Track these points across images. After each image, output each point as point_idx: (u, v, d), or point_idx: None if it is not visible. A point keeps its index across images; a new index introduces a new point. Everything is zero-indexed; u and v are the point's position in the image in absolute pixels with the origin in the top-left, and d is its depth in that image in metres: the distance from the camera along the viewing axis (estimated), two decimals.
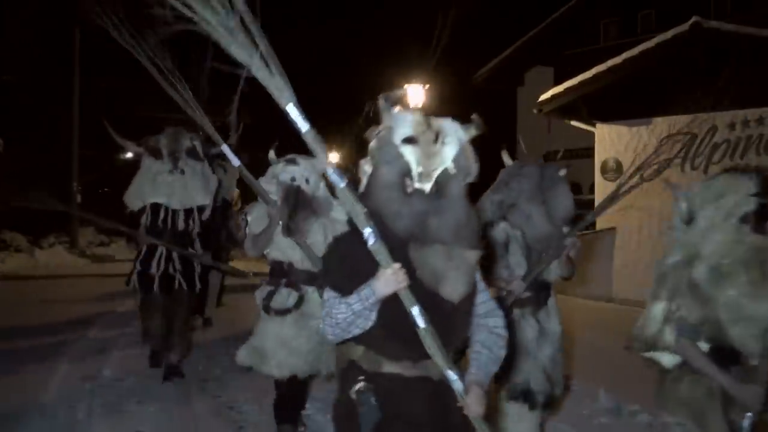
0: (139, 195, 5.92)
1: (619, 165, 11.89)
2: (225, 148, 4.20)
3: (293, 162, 4.32)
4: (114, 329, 8.30)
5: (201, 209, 6.03)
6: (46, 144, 21.35)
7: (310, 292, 4.37)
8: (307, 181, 4.30)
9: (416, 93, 18.35)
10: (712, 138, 10.84)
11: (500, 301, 3.72)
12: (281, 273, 4.42)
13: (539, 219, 3.99)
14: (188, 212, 5.95)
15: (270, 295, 4.38)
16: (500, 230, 3.99)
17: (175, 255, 5.94)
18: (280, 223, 4.24)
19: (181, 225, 5.92)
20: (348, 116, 21.58)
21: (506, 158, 4.39)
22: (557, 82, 13.53)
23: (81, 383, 5.93)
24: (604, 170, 12.19)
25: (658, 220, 11.14)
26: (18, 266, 16.50)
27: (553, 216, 4.02)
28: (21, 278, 14.33)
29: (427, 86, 18.67)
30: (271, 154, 4.45)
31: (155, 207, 5.86)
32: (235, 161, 4.20)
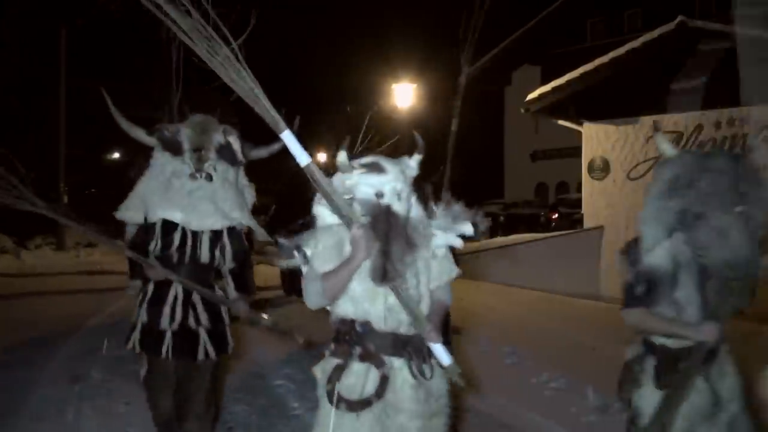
0: (142, 205, 4.16)
1: (606, 164, 11.96)
2: (286, 135, 2.75)
3: (377, 168, 2.84)
4: (103, 330, 8.26)
5: (235, 234, 4.23)
6: (33, 144, 21.25)
7: (397, 368, 2.83)
8: (398, 197, 2.82)
9: (405, 92, 18.40)
10: (698, 136, 10.93)
11: (667, 353, 2.99)
12: (353, 338, 2.84)
13: (738, 235, 2.83)
14: (216, 237, 4.14)
15: (338, 373, 2.82)
16: (664, 253, 2.94)
17: (197, 299, 4.09)
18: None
19: (204, 255, 4.11)
20: (333, 116, 21.59)
21: (664, 143, 3.01)
22: (544, 82, 13.57)
23: (69, 384, 5.91)
24: (591, 169, 12.26)
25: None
26: (4, 267, 16.40)
27: (751, 231, 2.85)
28: (7, 281, 14.22)
29: (415, 85, 18.72)
30: (342, 155, 2.84)
31: (168, 226, 4.07)
32: (304, 158, 2.76)
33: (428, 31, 25.11)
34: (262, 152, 4.40)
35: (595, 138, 12.29)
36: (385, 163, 2.87)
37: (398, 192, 2.83)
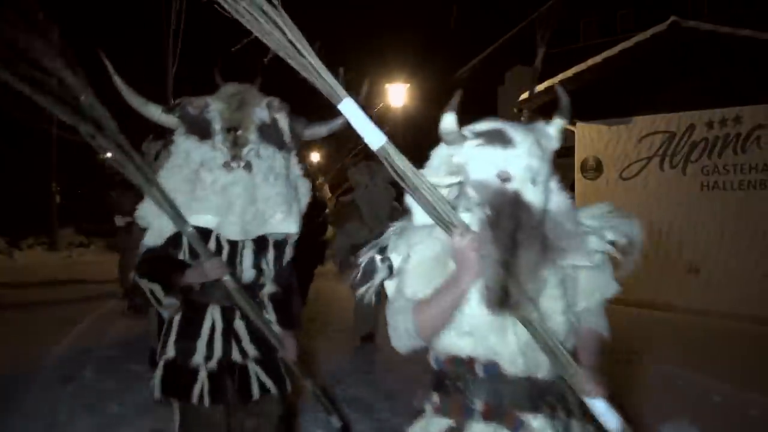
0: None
1: (598, 163, 11.99)
2: (348, 106, 2.01)
3: (501, 138, 1.94)
4: (95, 330, 8.25)
5: (282, 244, 3.22)
6: (24, 143, 21.18)
7: (538, 429, 1.95)
8: (533, 180, 1.92)
9: (398, 92, 18.42)
10: (690, 136, 10.96)
11: None
12: (471, 386, 1.98)
13: None
14: (261, 246, 3.13)
15: None
16: None
17: (242, 328, 3.09)
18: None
19: (248, 271, 3.10)
20: (327, 116, 21.53)
21: None
22: (538, 81, 13.58)
23: (62, 385, 5.89)
24: (583, 169, 12.28)
25: (638, 219, 11.25)
26: None
27: None
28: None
29: (408, 85, 18.74)
30: (450, 118, 1.93)
31: (198, 231, 3.00)
32: (376, 137, 1.97)
33: (421, 32, 25.16)
34: (319, 130, 3.33)
35: (588, 138, 12.31)
36: (512, 130, 1.96)
37: (533, 173, 1.91)
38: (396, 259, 2.04)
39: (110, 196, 9.26)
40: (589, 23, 22.34)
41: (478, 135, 1.96)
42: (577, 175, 12.45)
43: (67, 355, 6.99)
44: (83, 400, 5.49)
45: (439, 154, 2.04)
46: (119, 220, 7.53)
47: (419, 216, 2.02)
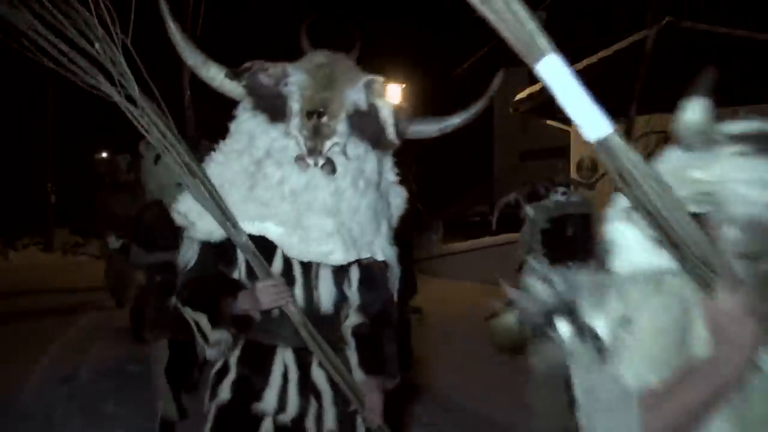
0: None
1: (594, 164, 11.99)
2: (552, 66, 1.30)
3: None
4: (91, 330, 8.24)
5: (369, 268, 2.39)
6: (20, 143, 21.15)
7: None
8: None
9: (393, 92, 18.44)
10: None
11: None
12: None
13: None
14: (342, 269, 2.35)
15: None
16: None
17: (321, 379, 2.34)
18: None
19: (326, 299, 2.34)
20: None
21: None
22: (533, 82, 13.60)
23: (58, 385, 5.89)
24: (579, 169, 12.30)
25: None
26: None
27: None
28: None
29: (404, 85, 18.77)
30: (698, 108, 1.30)
31: (257, 245, 2.23)
32: (600, 126, 1.31)
33: (417, 32, 25.17)
34: (428, 128, 2.46)
35: (583, 138, 12.31)
36: None
37: None
38: (601, 326, 1.30)
39: (101, 199, 9.01)
40: (584, 23, 22.39)
41: (739, 139, 1.25)
42: (573, 176, 12.46)
43: (63, 356, 6.98)
44: (79, 401, 5.49)
45: (673, 165, 1.29)
46: (113, 242, 6.77)
47: (630, 256, 1.34)
